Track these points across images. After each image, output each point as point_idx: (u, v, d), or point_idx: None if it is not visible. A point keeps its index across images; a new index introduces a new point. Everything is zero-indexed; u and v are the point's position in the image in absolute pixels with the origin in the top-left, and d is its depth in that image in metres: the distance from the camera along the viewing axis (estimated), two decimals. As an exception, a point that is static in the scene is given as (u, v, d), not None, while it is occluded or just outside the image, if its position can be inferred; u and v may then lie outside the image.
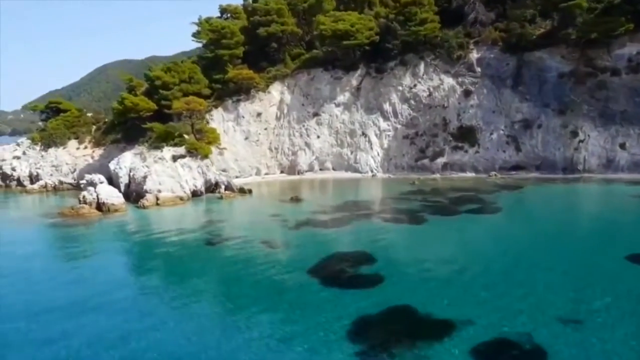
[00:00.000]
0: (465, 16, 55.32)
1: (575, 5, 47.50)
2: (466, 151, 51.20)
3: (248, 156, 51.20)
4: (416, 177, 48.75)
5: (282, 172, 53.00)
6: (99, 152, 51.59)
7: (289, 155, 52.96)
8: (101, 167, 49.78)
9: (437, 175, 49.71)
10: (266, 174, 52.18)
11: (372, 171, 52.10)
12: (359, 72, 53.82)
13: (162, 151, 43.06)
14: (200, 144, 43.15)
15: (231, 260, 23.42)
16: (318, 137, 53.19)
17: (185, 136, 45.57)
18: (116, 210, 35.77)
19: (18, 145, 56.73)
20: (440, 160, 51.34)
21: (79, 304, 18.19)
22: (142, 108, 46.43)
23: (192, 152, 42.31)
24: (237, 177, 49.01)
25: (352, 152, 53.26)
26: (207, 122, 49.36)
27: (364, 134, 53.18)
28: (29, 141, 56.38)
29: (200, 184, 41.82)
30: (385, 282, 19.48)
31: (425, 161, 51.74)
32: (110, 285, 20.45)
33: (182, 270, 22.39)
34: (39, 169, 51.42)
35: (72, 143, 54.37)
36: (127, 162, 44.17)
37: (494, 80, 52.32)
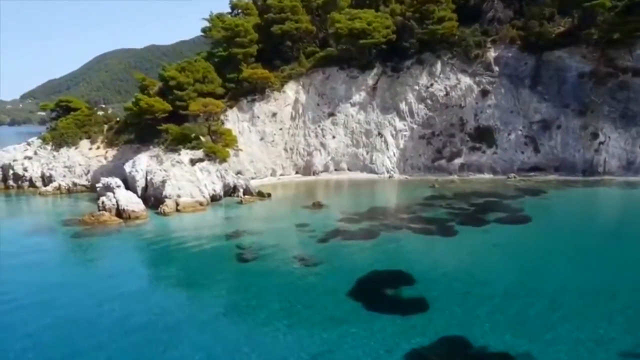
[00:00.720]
0: (483, 13, 54.49)
1: (599, 5, 46.64)
2: (484, 152, 50.68)
3: (263, 157, 50.60)
4: (434, 179, 48.30)
5: (297, 172, 52.45)
6: (112, 152, 50.87)
7: (304, 156, 52.37)
8: (115, 168, 49.13)
9: (455, 177, 49.24)
10: (281, 174, 51.64)
11: (388, 172, 51.59)
12: (374, 71, 53.05)
13: (179, 154, 42.45)
14: (218, 147, 42.51)
15: (263, 278, 22.95)
16: (333, 137, 52.56)
17: (202, 138, 44.93)
18: (137, 218, 35.24)
19: (29, 145, 55.98)
20: (458, 161, 50.83)
21: (121, 322, 17.88)
22: (157, 109, 45.70)
23: (211, 155, 41.69)
24: (252, 178, 48.44)
25: (367, 153, 52.68)
26: (222, 123, 48.67)
27: (379, 134, 52.56)
28: (40, 141, 55.59)
29: (219, 188, 41.29)
30: (431, 307, 19.08)
31: (442, 162, 51.23)
32: (149, 303, 20.17)
33: (214, 287, 22.08)
34: (51, 169, 50.73)
35: (84, 143, 53.62)
36: (143, 164, 43.54)
37: (511, 79, 51.64)
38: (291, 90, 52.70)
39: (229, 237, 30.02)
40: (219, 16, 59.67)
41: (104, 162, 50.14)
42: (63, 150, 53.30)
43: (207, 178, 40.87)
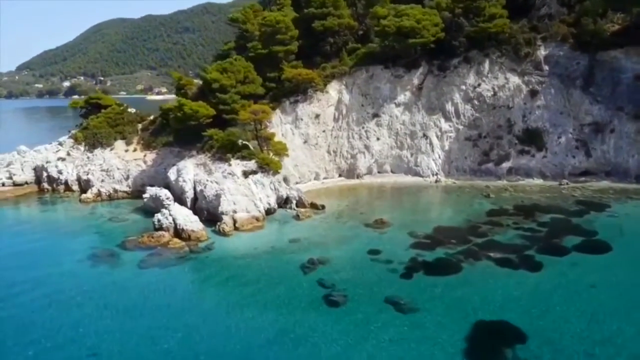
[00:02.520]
0: (534, 9, 52.23)
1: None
2: (533, 156, 49.43)
3: (307, 161, 49.18)
4: (484, 185, 47.24)
5: (340, 175, 51.15)
6: (150, 156, 49.27)
7: (347, 159, 50.98)
8: (156, 174, 47.82)
9: (505, 182, 48.11)
10: (325, 178, 50.36)
11: (434, 175, 50.39)
12: (420, 70, 51.12)
13: (229, 164, 41.00)
14: (271, 158, 41.06)
15: (367, 333, 22.05)
16: (378, 139, 51.06)
17: (249, 145, 43.40)
18: (198, 239, 34.10)
19: (60, 144, 54.30)
20: (506, 165, 49.62)
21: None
22: (202, 115, 43.91)
23: (264, 167, 40.29)
24: (297, 183, 47.22)
25: (412, 155, 51.32)
26: (266, 126, 47.00)
27: (425, 136, 51.09)
28: (72, 140, 53.91)
29: (273, 201, 40.10)
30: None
31: (490, 165, 50.00)
32: None
33: (322, 348, 21.19)
34: (88, 173, 49.20)
35: (119, 144, 51.94)
36: (189, 173, 42.18)
37: (562, 79, 49.94)
38: (334, 90, 50.80)
39: (305, 268, 29.02)
40: (253, 8, 57.25)
41: (144, 166, 48.61)
42: (97, 151, 51.73)
43: (261, 191, 39.59)
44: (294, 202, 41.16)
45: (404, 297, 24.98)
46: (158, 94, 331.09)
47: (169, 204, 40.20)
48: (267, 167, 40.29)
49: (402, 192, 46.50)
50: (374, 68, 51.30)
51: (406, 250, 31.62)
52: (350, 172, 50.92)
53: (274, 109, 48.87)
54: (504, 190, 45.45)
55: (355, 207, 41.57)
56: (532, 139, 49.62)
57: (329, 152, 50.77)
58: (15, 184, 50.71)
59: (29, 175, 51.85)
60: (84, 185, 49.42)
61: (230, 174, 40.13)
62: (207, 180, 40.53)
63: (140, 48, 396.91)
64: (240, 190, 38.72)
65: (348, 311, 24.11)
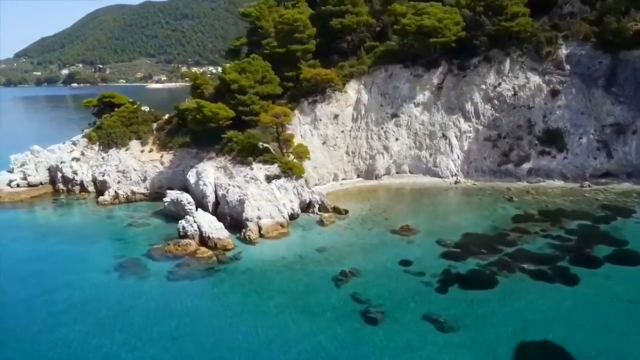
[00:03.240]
0: (556, 7, 51.36)
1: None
2: (554, 157, 48.98)
3: (326, 162, 48.66)
4: (504, 186, 46.89)
5: (358, 176, 50.68)
6: (167, 157, 48.62)
7: (366, 159, 50.45)
8: (174, 175, 47.30)
9: (525, 184, 47.70)
10: (343, 179, 49.89)
11: (453, 175, 49.96)
12: (440, 69, 50.37)
13: (251, 168, 40.50)
14: (294, 162, 40.52)
15: (406, 353, 21.83)
16: (397, 139, 50.50)
17: (270, 148, 42.85)
18: (224, 247, 33.70)
19: (74, 144, 53.61)
20: (526, 166, 49.18)
21: None
22: (221, 117, 43.22)
23: (287, 172, 39.77)
24: (316, 184, 46.78)
25: (431, 155, 50.83)
26: (286, 128, 46.35)
27: (444, 136, 50.55)
28: (86, 140, 53.21)
29: (296, 206, 39.68)
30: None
31: (510, 166, 49.54)
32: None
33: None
34: (103, 174, 48.61)
35: (134, 144, 51.26)
36: (210, 176, 41.67)
37: (584, 79, 49.32)
38: (352, 89, 50.09)
39: (338, 281, 28.71)
40: (267, 3, 56.18)
41: (161, 167, 48.02)
42: (112, 151, 51.08)
43: (285, 196, 39.15)
44: (317, 206, 40.76)
45: (443, 315, 24.71)
46: (158, 82, 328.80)
47: (190, 209, 39.93)
48: (290, 171, 39.79)
49: (422, 194, 46.07)
50: (393, 67, 50.54)
51: (437, 260, 31.33)
52: (369, 173, 50.44)
53: (292, 109, 48.16)
54: (526, 193, 45.05)
55: (378, 211, 41.17)
56: (553, 139, 49.11)
57: (347, 152, 50.24)
58: (29, 185, 50.11)
59: (44, 176, 51.25)
60: (100, 186, 48.90)
61: (252, 178, 39.65)
62: (229, 185, 40.07)
63: (138, 35, 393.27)
64: (263, 196, 38.27)
65: (388, 329, 23.82)
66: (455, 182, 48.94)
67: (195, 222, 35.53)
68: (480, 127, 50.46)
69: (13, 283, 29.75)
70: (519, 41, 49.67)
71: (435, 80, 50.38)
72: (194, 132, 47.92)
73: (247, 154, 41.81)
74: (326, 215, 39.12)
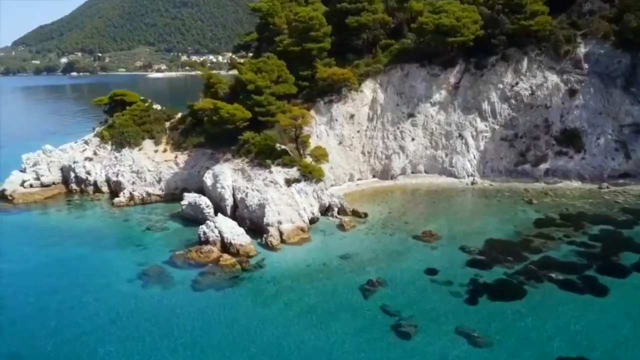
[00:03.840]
0: (575, 4, 50.64)
1: None
2: (571, 157, 48.60)
3: (342, 162, 48.24)
4: (522, 188, 46.59)
5: (374, 176, 50.32)
6: (182, 157, 48.15)
7: (382, 159, 50.04)
8: (189, 177, 46.92)
9: (543, 185, 47.38)
10: (359, 179, 49.53)
11: (469, 175, 49.61)
12: (457, 68, 49.77)
13: (270, 172, 40.11)
14: (314, 166, 40.12)
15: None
16: (413, 139, 50.06)
17: (288, 150, 42.42)
18: (247, 254, 33.44)
19: (86, 143, 53.06)
20: (543, 167, 48.81)
21: None
22: (238, 118, 42.72)
23: (307, 175, 39.39)
24: (332, 185, 46.46)
25: (447, 155, 50.44)
26: (302, 128, 45.83)
27: (460, 136, 50.11)
28: (98, 139, 52.66)
29: (316, 210, 39.38)
30: None
31: (527, 166, 49.18)
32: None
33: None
34: (117, 174, 48.17)
35: (148, 144, 50.73)
36: (227, 179, 41.29)
37: (602, 78, 48.83)
38: (368, 89, 49.51)
39: (365, 291, 28.53)
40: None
41: (175, 168, 47.57)
42: (125, 151, 50.58)
43: (305, 200, 38.82)
44: (336, 209, 40.48)
45: (475, 328, 24.55)
46: (158, 71, 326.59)
47: (209, 213, 39.68)
48: (310, 175, 39.40)
49: (440, 195, 45.73)
50: (409, 66, 49.94)
51: (463, 268, 31.14)
52: (385, 173, 50.07)
53: (308, 109, 47.60)
54: (545, 194, 44.75)
55: (397, 215, 40.87)
56: (570, 139, 48.68)
57: (363, 152, 49.81)
58: (42, 185, 49.63)
59: (56, 176, 50.78)
60: (114, 187, 48.51)
61: (272, 182, 39.28)
62: (247, 188, 39.72)
63: (138, 23, 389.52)
64: (284, 200, 37.94)
65: (422, 344, 23.66)
66: (472, 183, 48.62)
67: (216, 227, 35.21)
68: (497, 127, 50.01)
69: (32, 294, 29.21)
70: (537, 40, 49.04)
71: (452, 80, 49.80)
72: (209, 132, 47.43)
73: (265, 156, 41.40)
74: (346, 219, 38.82)
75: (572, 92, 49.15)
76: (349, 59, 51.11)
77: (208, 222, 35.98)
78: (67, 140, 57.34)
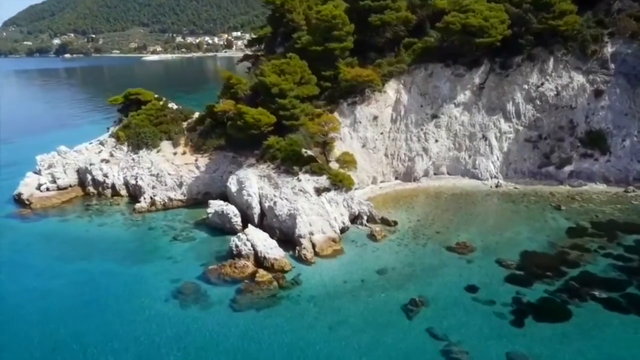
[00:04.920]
0: (602, 2, 49.49)
1: None
2: (596, 159, 48.12)
3: (366, 165, 47.48)
4: (548, 191, 46.19)
5: (396, 178, 49.70)
6: (203, 160, 47.17)
7: (405, 162, 49.35)
8: (212, 181, 46.12)
9: (568, 187, 47.01)
10: (382, 182, 48.89)
11: (492, 177, 49.11)
12: (482, 68, 48.73)
13: (298, 179, 39.36)
14: (344, 174, 39.37)
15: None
16: (436, 141, 49.31)
17: (314, 157, 41.61)
18: (282, 268, 32.96)
19: (102, 144, 51.96)
20: (568, 169, 48.32)
21: None
22: (263, 123, 41.75)
23: (337, 184, 38.69)
24: (355, 188, 45.57)
25: (470, 157, 49.81)
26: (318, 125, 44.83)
27: (484, 137, 49.41)
28: (114, 140, 51.53)
29: (346, 220, 38.84)
30: None
31: (551, 168, 48.66)
32: None
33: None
34: (136, 177, 47.23)
35: (165, 145, 49.67)
36: (253, 186, 40.60)
37: (629, 79, 48.07)
38: (392, 89, 48.48)
39: (409, 312, 28.20)
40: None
41: (197, 172, 46.63)
42: (142, 153, 49.58)
43: (335, 210, 38.22)
44: (365, 217, 39.95)
45: (527, 354, 24.37)
46: (154, 53, 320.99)
47: (237, 222, 39.13)
48: (340, 184, 38.68)
49: (466, 200, 45.18)
50: (434, 66, 48.86)
51: (503, 285, 30.87)
52: (407, 175, 49.45)
53: (331, 111, 46.75)
54: (572, 199, 44.35)
55: (426, 222, 40.35)
56: (595, 141, 48.10)
57: (386, 155, 49.05)
58: (59, 188, 48.66)
59: (72, 178, 49.78)
60: (132, 190, 47.67)
61: (301, 190, 38.58)
62: (275, 196, 39.06)
63: (131, 3, 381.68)
64: (314, 210, 37.33)
65: (476, 374, 23.48)
66: (496, 185, 48.15)
67: (248, 240, 34.61)
68: (521, 128, 49.32)
69: (69, 319, 28.58)
70: (564, 39, 48.01)
71: (477, 80, 48.83)
72: (230, 135, 46.39)
73: (292, 162, 40.59)
74: (377, 228, 38.31)
75: (597, 93, 48.40)
76: (370, 58, 49.89)
77: (240, 235, 35.32)
78: (70, 135, 56.26)
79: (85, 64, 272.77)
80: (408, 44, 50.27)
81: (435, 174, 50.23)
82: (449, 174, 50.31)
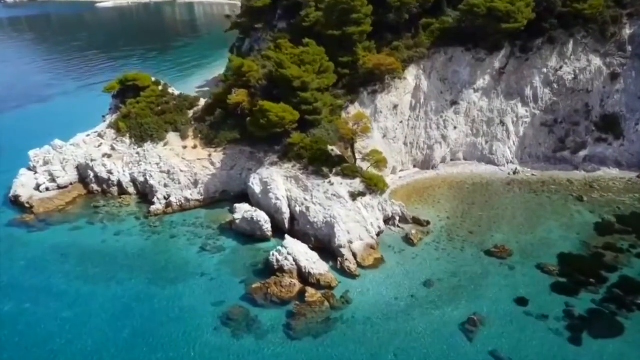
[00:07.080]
0: (623, -19, 48.09)
1: None
2: (610, 144, 48.61)
3: (387, 156, 45.89)
4: (565, 178, 46.63)
5: (414, 166, 48.86)
6: (217, 156, 44.47)
7: (424, 150, 48.39)
8: (230, 179, 43.93)
9: (583, 173, 47.59)
10: (401, 170, 47.98)
11: (508, 162, 49.01)
12: (503, 52, 47.22)
13: (330, 183, 37.87)
14: (378, 176, 38.05)
15: None
16: (455, 128, 48.37)
17: (343, 156, 39.99)
18: (329, 284, 32.17)
19: (100, 136, 48.13)
20: (582, 153, 48.70)
21: None
22: (287, 121, 39.44)
23: (372, 188, 37.46)
24: (376, 181, 44.80)
25: (487, 142, 49.36)
26: (347, 123, 43.05)
27: (501, 122, 48.80)
28: (113, 132, 47.81)
29: (381, 224, 38.02)
30: None
31: (565, 153, 48.94)
32: None
33: None
34: (145, 175, 44.37)
35: (173, 138, 46.48)
36: (280, 188, 39.05)
37: (645, 62, 47.86)
38: (411, 75, 46.56)
39: (468, 332, 28.36)
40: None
41: (212, 168, 44.07)
42: (148, 146, 46.38)
43: (371, 215, 37.22)
44: (397, 218, 39.26)
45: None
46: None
47: (268, 229, 37.78)
48: (375, 187, 37.48)
49: (489, 191, 44.93)
50: (454, 50, 47.01)
51: (550, 295, 31.47)
52: (425, 163, 48.70)
53: (352, 101, 44.79)
54: (590, 187, 44.93)
55: (457, 220, 40.07)
56: (610, 125, 48.40)
57: (405, 143, 47.89)
58: (59, 187, 45.29)
59: (73, 176, 46.27)
60: (142, 188, 44.89)
61: (334, 195, 37.23)
62: (307, 200, 37.71)
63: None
64: (351, 217, 36.27)
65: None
66: (514, 173, 48.14)
67: (289, 254, 33.42)
68: (538, 112, 48.89)
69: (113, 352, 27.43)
70: (585, 21, 46.85)
71: (497, 64, 47.46)
72: (244, 127, 43.74)
73: (321, 163, 38.90)
74: (413, 231, 37.75)
75: (614, 76, 48.16)
76: (386, 39, 47.43)
77: (279, 248, 34.01)
78: (52, 112, 50.91)
79: (31, 12, 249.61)
80: (425, 25, 47.86)
81: (452, 159, 49.67)
82: (465, 159, 49.89)
